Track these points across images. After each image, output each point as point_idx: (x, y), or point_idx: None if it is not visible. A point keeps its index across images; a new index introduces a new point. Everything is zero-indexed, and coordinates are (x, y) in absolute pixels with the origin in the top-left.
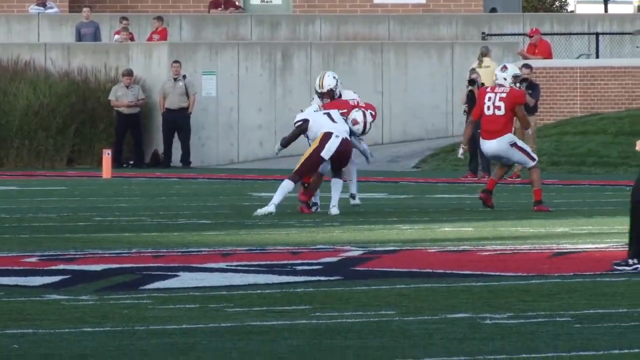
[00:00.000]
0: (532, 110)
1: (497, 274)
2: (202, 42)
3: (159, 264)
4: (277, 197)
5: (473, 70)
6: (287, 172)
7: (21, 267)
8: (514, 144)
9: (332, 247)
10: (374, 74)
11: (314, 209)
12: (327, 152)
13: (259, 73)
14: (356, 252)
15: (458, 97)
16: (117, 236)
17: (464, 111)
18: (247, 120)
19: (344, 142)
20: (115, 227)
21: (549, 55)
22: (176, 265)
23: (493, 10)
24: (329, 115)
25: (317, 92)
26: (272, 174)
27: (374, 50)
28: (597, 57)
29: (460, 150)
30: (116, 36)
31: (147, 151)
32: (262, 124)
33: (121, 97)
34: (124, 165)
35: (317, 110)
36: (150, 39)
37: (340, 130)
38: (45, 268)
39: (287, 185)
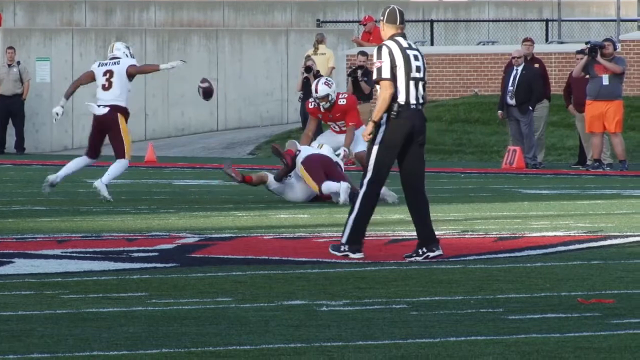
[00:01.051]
0: (367, 97)
1: (333, 261)
2: (36, 28)
3: None
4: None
5: (308, 58)
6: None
7: None
8: None
9: (167, 234)
10: (208, 61)
11: None
12: None
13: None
14: (192, 239)
15: (293, 84)
16: None
17: (299, 98)
18: (82, 106)
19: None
20: None
21: None
22: (11, 251)
23: None
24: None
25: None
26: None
27: (209, 37)
28: (432, 44)
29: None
30: None
31: None
32: None
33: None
34: None
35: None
36: None
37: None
38: None
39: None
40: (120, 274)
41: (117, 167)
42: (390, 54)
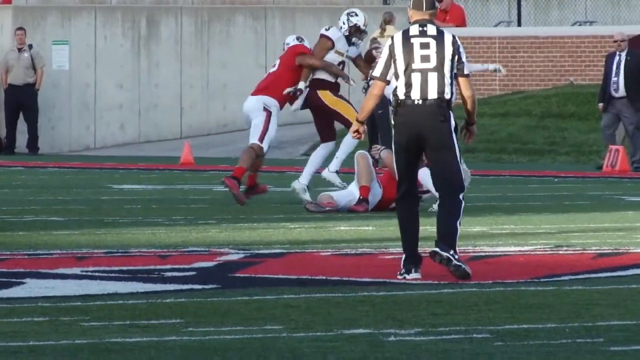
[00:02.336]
0: None
1: (403, 282)
2: (52, 5)
3: (0, 269)
4: None
5: (374, 41)
6: (152, 159)
7: None
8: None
9: (207, 249)
10: (256, 45)
11: None
12: None
13: (120, 43)
14: (235, 256)
15: (356, 72)
16: None
17: (363, 88)
18: (106, 98)
19: None
20: None
21: (462, 23)
22: (22, 270)
23: None
24: None
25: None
26: (135, 162)
27: (256, 16)
28: (519, 25)
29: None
30: None
31: None
32: (123, 103)
33: None
34: None
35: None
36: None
37: None
38: None
39: None
40: (151, 297)
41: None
42: (391, 47)
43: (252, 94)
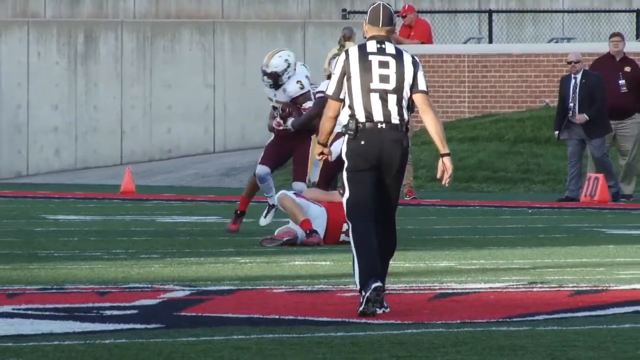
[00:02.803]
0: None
1: (363, 321)
2: None
3: None
4: None
5: (335, 58)
6: (90, 187)
7: None
8: None
9: (149, 285)
10: (203, 62)
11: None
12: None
13: (55, 60)
14: (181, 293)
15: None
16: None
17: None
18: (40, 121)
19: None
20: None
21: (428, 39)
22: None
23: None
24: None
25: (262, 70)
26: (71, 191)
27: (204, 31)
28: (491, 41)
29: None
30: None
31: None
32: (58, 126)
33: None
34: None
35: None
36: None
37: None
38: None
39: None
40: (89, 338)
41: None
42: (346, 62)
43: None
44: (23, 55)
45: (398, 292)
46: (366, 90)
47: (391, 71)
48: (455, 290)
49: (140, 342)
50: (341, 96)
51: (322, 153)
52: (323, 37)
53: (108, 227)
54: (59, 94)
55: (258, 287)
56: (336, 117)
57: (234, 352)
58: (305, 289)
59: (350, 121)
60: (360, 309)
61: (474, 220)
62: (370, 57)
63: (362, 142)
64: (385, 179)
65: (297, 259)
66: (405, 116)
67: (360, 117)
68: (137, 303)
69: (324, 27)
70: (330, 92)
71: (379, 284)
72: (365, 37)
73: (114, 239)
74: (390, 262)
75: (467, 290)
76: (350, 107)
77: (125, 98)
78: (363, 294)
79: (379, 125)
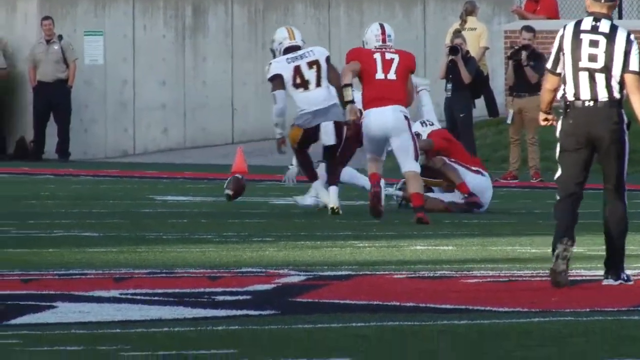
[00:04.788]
0: (533, 88)
1: (488, 308)
2: None
3: (28, 291)
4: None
5: (456, 34)
6: (200, 167)
7: None
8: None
9: (263, 270)
10: (318, 37)
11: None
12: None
13: (162, 34)
14: (296, 278)
15: (433, 69)
16: None
17: (445, 89)
18: (147, 97)
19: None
20: None
21: (554, 14)
22: (52, 292)
23: None
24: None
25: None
26: (180, 170)
27: (318, 5)
28: (620, 17)
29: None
30: None
31: (11, 138)
32: (166, 103)
33: None
34: None
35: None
36: None
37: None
38: None
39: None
40: (200, 324)
41: None
42: (561, 38)
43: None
44: (128, 29)
45: (524, 279)
46: (576, 69)
47: (600, 50)
48: (584, 277)
49: (254, 329)
50: (558, 70)
51: (546, 119)
52: (444, 11)
53: (219, 208)
54: (165, 69)
55: (377, 273)
56: (555, 90)
57: (353, 341)
58: (427, 275)
59: (562, 99)
60: (551, 266)
61: None
62: (582, 36)
63: (570, 121)
64: (600, 155)
65: (419, 243)
66: (616, 94)
67: (570, 95)
68: (250, 288)
69: (444, 1)
70: (549, 65)
71: (566, 239)
72: (587, 12)
73: (226, 221)
74: (517, 247)
75: (596, 278)
76: (563, 83)
77: (236, 74)
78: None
79: (586, 104)
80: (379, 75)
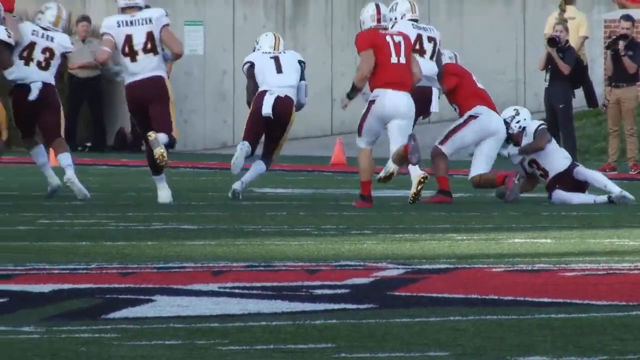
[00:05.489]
0: (632, 78)
1: (586, 302)
2: None
3: (127, 285)
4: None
5: (560, 21)
6: (299, 159)
7: None
8: None
9: (362, 263)
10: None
11: None
12: (266, 108)
13: (262, 24)
14: (395, 271)
15: (532, 60)
16: (71, 246)
17: (545, 79)
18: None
19: (279, 101)
20: (67, 234)
21: None
22: (150, 286)
23: None
24: (276, 60)
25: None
26: (280, 163)
27: None
28: None
29: None
30: None
31: (111, 129)
32: None
33: (74, 56)
34: (79, 149)
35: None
36: None
37: (280, 84)
38: None
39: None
40: (298, 318)
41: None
42: None
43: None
44: (228, 18)
45: (622, 271)
46: None
47: None
48: None
49: (352, 323)
50: None
51: None
52: (544, 0)
53: (318, 201)
54: None
55: (475, 266)
56: None
57: (451, 334)
58: (525, 268)
59: None
60: None
61: None
62: None
63: None
64: None
65: (517, 236)
66: None
67: None
68: (348, 282)
69: None
70: None
71: None
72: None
73: (324, 214)
74: (615, 239)
75: None
76: None
77: (336, 64)
78: None
79: None
80: (394, 59)
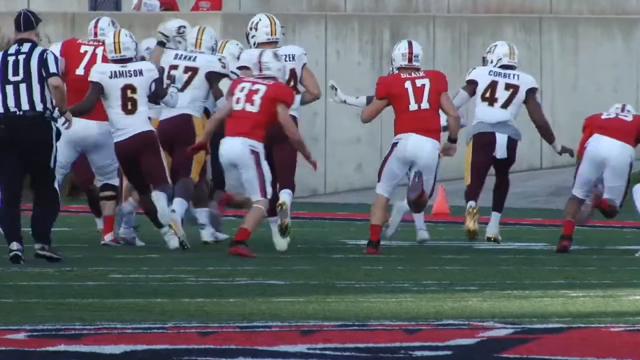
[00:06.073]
0: None
1: None
2: (272, 12)
3: (207, 346)
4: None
5: None
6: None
7: (3, 348)
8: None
9: (466, 322)
10: (529, 63)
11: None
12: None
13: (357, 60)
14: (503, 331)
15: None
16: (145, 303)
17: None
18: (340, 130)
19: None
20: (142, 290)
21: None
22: (233, 347)
23: None
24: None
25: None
26: None
27: (529, 28)
28: None
29: None
30: (147, 0)
31: None
32: (361, 137)
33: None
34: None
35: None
36: (196, 7)
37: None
38: (38, 349)
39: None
40: None
41: None
42: None
43: None
44: (320, 54)
45: None
46: None
47: None
48: None
49: None
50: None
51: None
52: None
53: (417, 254)
54: None
55: (592, 325)
56: None
57: None
58: None
59: None
60: None
61: None
62: None
63: None
64: None
65: (638, 293)
66: None
67: None
68: (451, 342)
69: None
70: None
71: None
72: None
73: (424, 268)
74: None
75: None
76: None
77: None
78: None
79: None
80: (412, 106)
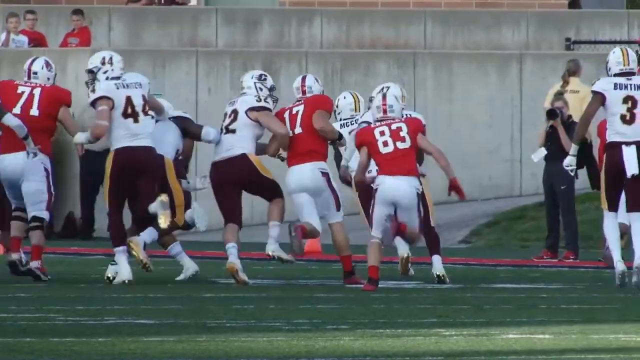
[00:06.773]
0: None
1: None
2: (142, 48)
3: None
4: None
5: (557, 96)
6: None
7: None
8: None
9: None
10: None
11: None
12: None
13: (229, 96)
14: None
15: (531, 136)
16: (14, 342)
17: (545, 157)
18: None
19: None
20: (10, 329)
21: None
22: None
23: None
24: None
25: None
26: (247, 251)
27: (402, 63)
28: None
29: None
30: (15, 37)
31: (58, 214)
32: None
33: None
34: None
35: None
36: (64, 43)
37: None
38: None
39: None
40: None
41: None
42: None
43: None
44: (191, 91)
45: None
46: None
47: None
48: None
49: None
50: None
51: None
52: (543, 70)
53: (288, 292)
54: None
55: None
56: None
57: None
58: None
59: None
60: None
61: None
62: None
63: None
64: None
65: (512, 331)
66: None
67: None
68: None
69: (544, 59)
70: None
71: None
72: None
73: (296, 307)
74: (621, 335)
75: None
76: None
77: None
78: None
79: None
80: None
